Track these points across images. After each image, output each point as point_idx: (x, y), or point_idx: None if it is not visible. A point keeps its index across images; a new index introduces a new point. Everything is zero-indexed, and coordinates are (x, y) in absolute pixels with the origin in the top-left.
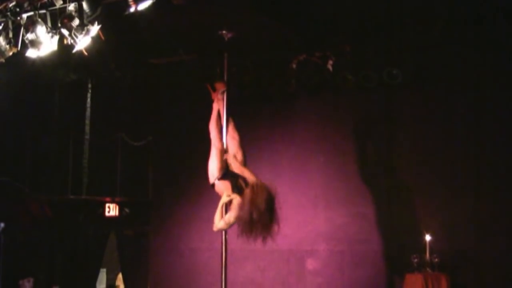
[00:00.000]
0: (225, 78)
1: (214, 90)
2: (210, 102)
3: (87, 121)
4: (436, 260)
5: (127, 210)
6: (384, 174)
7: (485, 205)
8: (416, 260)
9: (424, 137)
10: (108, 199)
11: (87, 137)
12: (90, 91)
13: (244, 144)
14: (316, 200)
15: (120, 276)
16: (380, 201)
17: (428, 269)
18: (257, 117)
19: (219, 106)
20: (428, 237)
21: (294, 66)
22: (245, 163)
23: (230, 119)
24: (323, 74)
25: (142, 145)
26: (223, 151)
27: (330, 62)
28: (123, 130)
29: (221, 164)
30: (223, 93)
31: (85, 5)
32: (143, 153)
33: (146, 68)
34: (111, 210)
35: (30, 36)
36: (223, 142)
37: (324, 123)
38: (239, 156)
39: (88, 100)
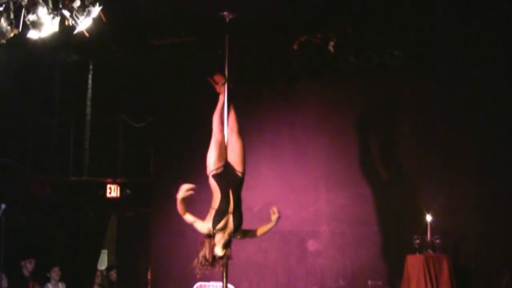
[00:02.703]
0: (225, 70)
1: (216, 83)
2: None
3: (88, 102)
4: (438, 241)
5: (128, 191)
6: (385, 155)
7: (486, 186)
8: (417, 241)
9: (425, 118)
10: (109, 180)
11: (88, 118)
12: (91, 72)
13: (245, 128)
14: (317, 182)
15: None
16: (381, 182)
17: (429, 250)
18: (258, 99)
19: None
20: (429, 218)
21: (295, 47)
22: (244, 154)
23: (232, 110)
24: (324, 56)
25: (143, 127)
26: (223, 144)
27: (331, 43)
28: (124, 112)
29: (218, 157)
30: (223, 84)
31: None
32: (144, 134)
33: (147, 50)
34: (112, 191)
35: (31, 17)
36: (224, 134)
37: (325, 104)
38: (238, 147)
39: (89, 81)
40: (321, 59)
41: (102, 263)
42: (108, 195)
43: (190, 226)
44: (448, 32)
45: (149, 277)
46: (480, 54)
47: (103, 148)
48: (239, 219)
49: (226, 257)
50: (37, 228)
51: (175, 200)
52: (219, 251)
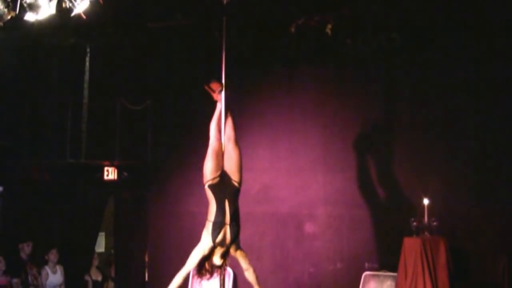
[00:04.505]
0: (223, 53)
1: (213, 90)
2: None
3: (86, 85)
4: (435, 224)
5: (125, 173)
6: (383, 138)
7: (483, 169)
8: (414, 224)
9: (423, 101)
10: (107, 163)
11: (85, 101)
12: (88, 55)
13: (242, 111)
14: (314, 164)
15: None
16: (379, 165)
17: (426, 232)
18: (257, 82)
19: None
20: (426, 201)
21: (292, 29)
22: (240, 163)
23: (229, 118)
24: (322, 38)
25: (140, 109)
26: (220, 152)
27: (329, 26)
28: (121, 94)
29: (215, 166)
30: (220, 92)
31: None
32: (141, 117)
33: (145, 32)
34: (110, 173)
35: None
36: (221, 142)
37: (323, 87)
38: (235, 155)
39: (87, 64)
40: (319, 41)
41: (100, 246)
42: (105, 177)
43: (188, 209)
44: (446, 14)
45: (146, 259)
46: (479, 36)
47: (100, 131)
48: (236, 230)
49: (224, 266)
50: (34, 210)
51: (173, 182)
52: (217, 260)
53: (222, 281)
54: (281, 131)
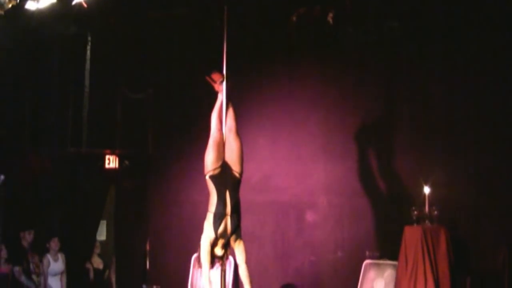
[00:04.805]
0: (224, 43)
1: (214, 81)
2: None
3: (87, 74)
4: (435, 212)
5: (127, 162)
6: (384, 128)
7: (484, 159)
8: (415, 212)
9: (424, 90)
10: (107, 151)
11: (86, 89)
12: (89, 43)
13: (243, 100)
14: (315, 154)
15: None
16: (379, 154)
17: (427, 221)
18: (258, 72)
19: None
20: (427, 190)
21: (294, 19)
22: (242, 154)
23: (230, 109)
24: (323, 28)
25: (142, 98)
26: (221, 143)
27: (330, 15)
28: (123, 83)
29: (216, 157)
30: (221, 82)
31: None
32: (143, 105)
33: (145, 21)
34: (111, 162)
35: None
36: (222, 133)
37: (323, 76)
38: (236, 146)
39: (88, 52)
40: (320, 31)
41: (101, 234)
42: (107, 165)
43: (188, 198)
44: (448, 4)
45: (147, 247)
46: (481, 26)
47: (101, 119)
48: (237, 221)
49: (225, 257)
50: (36, 199)
51: (173, 171)
52: (219, 251)
53: (223, 271)
54: (282, 121)
